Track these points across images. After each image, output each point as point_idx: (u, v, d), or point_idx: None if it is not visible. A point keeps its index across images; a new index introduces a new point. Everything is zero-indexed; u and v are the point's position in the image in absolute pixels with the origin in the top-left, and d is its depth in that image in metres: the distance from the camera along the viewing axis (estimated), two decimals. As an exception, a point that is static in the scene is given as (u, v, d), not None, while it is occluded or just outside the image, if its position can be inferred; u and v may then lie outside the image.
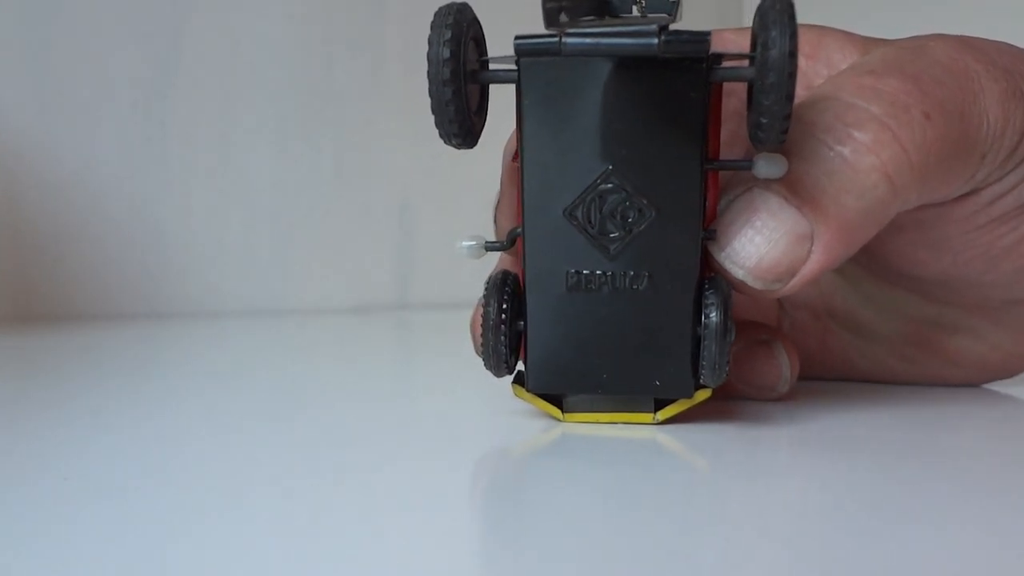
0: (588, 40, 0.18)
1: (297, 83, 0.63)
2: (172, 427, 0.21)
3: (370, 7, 0.67)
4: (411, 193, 0.69)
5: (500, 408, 0.23)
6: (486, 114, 0.20)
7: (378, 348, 0.43)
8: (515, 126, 0.20)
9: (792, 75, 0.17)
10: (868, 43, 0.23)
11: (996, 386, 0.27)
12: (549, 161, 0.19)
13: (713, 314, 0.18)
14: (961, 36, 0.23)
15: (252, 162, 0.61)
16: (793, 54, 0.16)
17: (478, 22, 0.19)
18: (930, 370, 0.27)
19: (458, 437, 0.21)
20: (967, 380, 0.27)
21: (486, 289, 0.20)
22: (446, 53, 0.18)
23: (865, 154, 0.19)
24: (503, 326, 0.19)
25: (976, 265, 0.23)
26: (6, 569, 0.12)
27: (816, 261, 0.19)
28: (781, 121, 0.17)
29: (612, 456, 0.19)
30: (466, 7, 0.19)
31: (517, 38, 0.18)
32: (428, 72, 0.18)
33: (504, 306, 0.20)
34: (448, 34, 0.18)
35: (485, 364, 0.20)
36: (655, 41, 0.17)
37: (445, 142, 0.19)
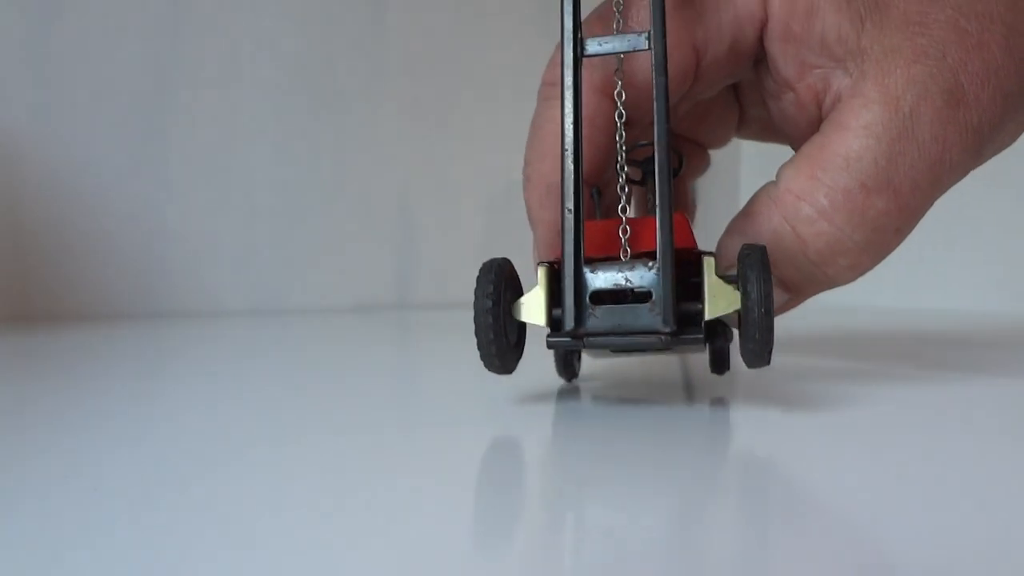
0: (603, 339, 0.22)
1: (297, 83, 0.63)
2: (172, 426, 0.21)
3: (370, 7, 0.67)
4: (411, 193, 0.70)
5: (502, 408, 0.23)
6: (523, 346, 0.24)
7: (378, 348, 0.43)
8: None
9: (768, 311, 0.21)
10: (858, 18, 0.25)
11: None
12: None
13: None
14: (954, 86, 0.24)
15: (252, 162, 0.61)
16: (768, 305, 0.21)
17: (515, 273, 0.24)
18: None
19: (459, 437, 0.21)
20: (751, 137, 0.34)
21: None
22: (488, 303, 0.22)
23: (844, 271, 0.25)
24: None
25: None
26: (6, 567, 0.12)
27: (783, 311, 0.27)
28: (765, 353, 0.21)
29: (615, 454, 0.19)
30: (505, 263, 0.23)
31: (549, 336, 0.22)
32: (475, 317, 0.22)
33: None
34: (490, 287, 0.22)
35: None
36: (662, 341, 0.21)
37: (487, 368, 0.23)
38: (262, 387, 0.28)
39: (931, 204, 0.25)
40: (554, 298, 0.23)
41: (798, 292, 0.26)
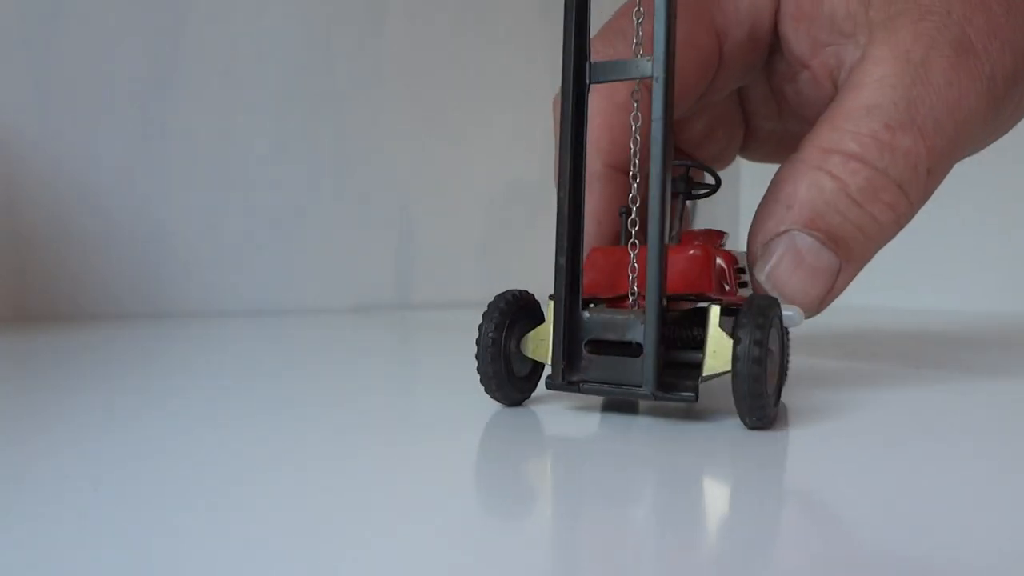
0: (597, 387, 0.22)
1: (297, 83, 0.63)
2: (173, 427, 0.21)
3: (370, 7, 0.67)
4: (411, 194, 0.69)
5: (502, 408, 0.23)
6: (537, 378, 0.25)
7: (378, 347, 0.43)
8: None
9: (756, 376, 0.20)
10: None
11: None
12: None
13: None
14: (961, 37, 0.24)
15: (252, 162, 0.61)
16: (758, 360, 0.20)
17: (533, 303, 0.24)
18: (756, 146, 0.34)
19: (460, 435, 0.21)
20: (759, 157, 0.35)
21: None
22: (489, 342, 0.23)
23: (887, 211, 0.24)
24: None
25: None
26: (7, 567, 0.12)
27: (838, 290, 0.25)
28: (756, 411, 0.20)
29: (612, 450, 0.19)
30: (520, 296, 0.24)
31: (548, 378, 0.23)
32: (476, 353, 0.23)
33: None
34: (492, 326, 0.23)
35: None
36: (651, 395, 0.21)
37: (490, 397, 0.24)
38: (262, 387, 0.28)
39: (959, 151, 0.25)
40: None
41: (848, 251, 0.24)
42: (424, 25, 0.69)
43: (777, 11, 0.27)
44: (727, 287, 0.24)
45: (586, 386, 0.22)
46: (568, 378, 0.22)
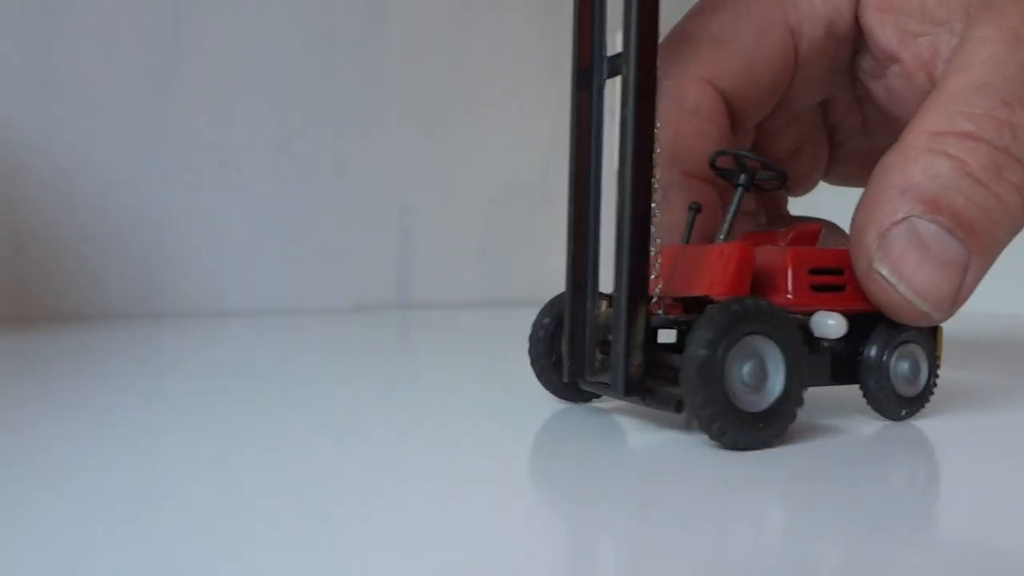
0: (602, 387, 0.22)
1: (297, 83, 0.63)
2: (173, 427, 0.21)
3: (370, 7, 0.67)
4: (411, 194, 0.69)
5: (501, 406, 0.23)
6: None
7: (378, 347, 0.43)
8: None
9: (697, 390, 0.18)
10: None
11: None
12: None
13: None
14: None
15: (252, 162, 0.61)
16: (698, 386, 0.18)
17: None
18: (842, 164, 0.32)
19: (461, 435, 0.21)
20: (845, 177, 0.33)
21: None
22: (538, 336, 0.24)
23: (1014, 193, 0.21)
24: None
25: None
26: (7, 567, 0.12)
27: (969, 286, 0.22)
28: (704, 421, 0.19)
29: (608, 444, 0.19)
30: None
31: (582, 382, 0.23)
32: (528, 346, 0.24)
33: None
34: (547, 319, 0.24)
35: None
36: (621, 396, 0.20)
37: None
38: (262, 388, 0.28)
39: None
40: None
41: (977, 239, 0.21)
42: (424, 25, 0.69)
43: (858, 3, 0.25)
44: (789, 295, 0.21)
45: (592, 385, 0.22)
46: (581, 376, 0.22)
